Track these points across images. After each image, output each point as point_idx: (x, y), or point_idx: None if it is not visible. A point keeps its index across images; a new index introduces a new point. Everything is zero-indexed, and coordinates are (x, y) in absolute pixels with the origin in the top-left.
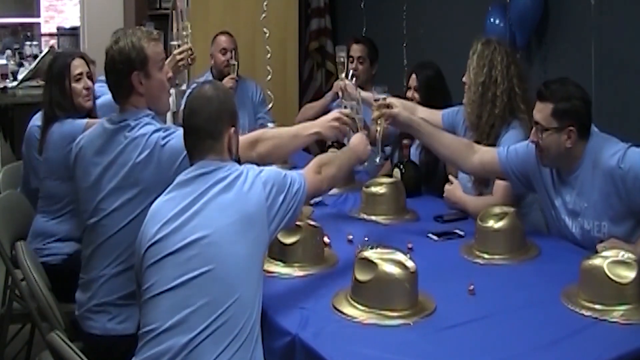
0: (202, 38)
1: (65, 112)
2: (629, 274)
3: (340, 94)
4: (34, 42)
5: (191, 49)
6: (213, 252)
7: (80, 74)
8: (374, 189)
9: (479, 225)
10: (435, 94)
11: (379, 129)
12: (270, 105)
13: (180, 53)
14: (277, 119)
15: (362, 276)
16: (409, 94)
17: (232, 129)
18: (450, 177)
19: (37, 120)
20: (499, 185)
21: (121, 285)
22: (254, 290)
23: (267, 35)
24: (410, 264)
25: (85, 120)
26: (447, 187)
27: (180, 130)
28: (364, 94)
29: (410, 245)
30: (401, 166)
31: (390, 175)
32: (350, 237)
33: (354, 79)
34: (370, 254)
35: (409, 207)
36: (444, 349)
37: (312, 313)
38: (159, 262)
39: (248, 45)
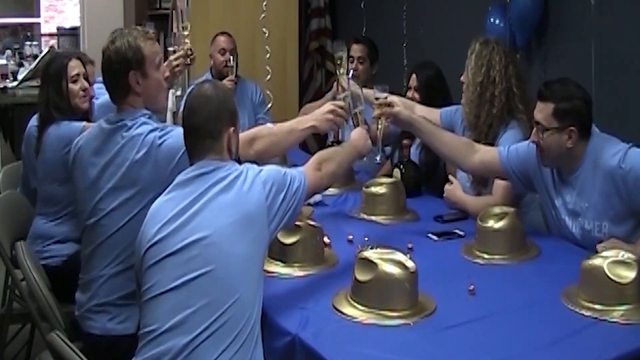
0: (202, 38)
1: (62, 113)
2: (629, 274)
3: (335, 87)
4: (34, 42)
5: (191, 50)
6: (213, 253)
7: (77, 75)
8: (374, 189)
9: (479, 225)
10: (436, 94)
11: (379, 127)
12: (269, 105)
13: (176, 58)
14: (277, 119)
15: (362, 276)
16: (409, 94)
17: (232, 129)
18: (450, 177)
19: (36, 120)
20: (499, 185)
21: (121, 285)
22: (254, 291)
23: (267, 35)
24: (410, 264)
25: (82, 124)
26: (447, 187)
27: (177, 129)
28: (364, 91)
29: (410, 245)
30: (401, 166)
31: (390, 175)
32: (350, 237)
33: (351, 72)
34: (370, 254)
35: (409, 207)
36: (444, 349)
37: (312, 313)
38: (159, 262)
39: (248, 45)
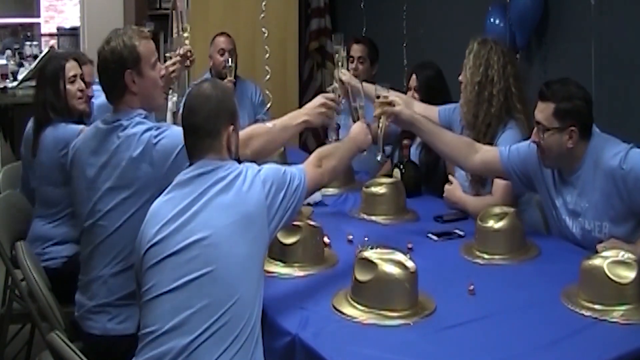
0: (202, 38)
1: (59, 114)
2: (629, 274)
3: (335, 83)
4: (34, 42)
5: (190, 51)
6: (213, 254)
7: (75, 75)
8: (374, 189)
9: (479, 225)
10: (436, 94)
11: (381, 126)
12: (268, 105)
13: (172, 64)
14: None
15: (362, 276)
16: (409, 94)
17: (231, 128)
18: (450, 177)
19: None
20: (499, 185)
21: (120, 286)
22: (254, 291)
23: (266, 35)
24: (410, 264)
25: (80, 127)
26: (447, 187)
27: (173, 128)
28: (365, 85)
29: (410, 245)
30: (401, 166)
31: (390, 175)
32: (350, 237)
33: (351, 72)
34: (370, 254)
35: (409, 207)
36: (444, 349)
37: (312, 313)
38: (159, 263)
39: (248, 45)
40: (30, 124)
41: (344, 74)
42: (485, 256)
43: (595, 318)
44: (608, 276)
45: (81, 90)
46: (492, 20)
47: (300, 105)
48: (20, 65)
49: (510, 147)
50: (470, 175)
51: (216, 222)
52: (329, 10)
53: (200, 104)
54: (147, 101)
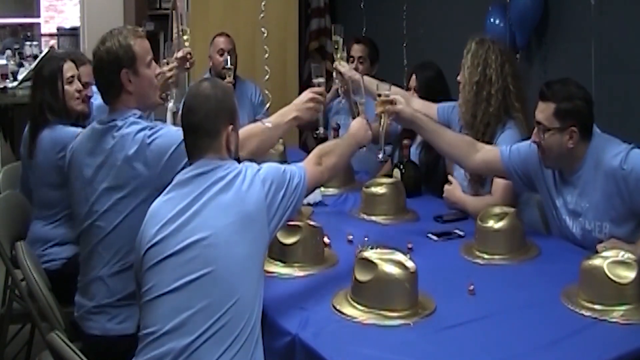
0: (202, 39)
1: (56, 115)
2: (629, 274)
3: (334, 74)
4: (34, 42)
5: (190, 54)
6: (213, 254)
7: (72, 76)
8: (374, 189)
9: (479, 225)
10: (435, 95)
11: (382, 124)
12: (267, 105)
13: (170, 69)
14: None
15: (362, 276)
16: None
17: (231, 127)
18: (450, 177)
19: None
20: (498, 184)
21: (119, 286)
22: (254, 291)
23: (265, 35)
24: (410, 264)
25: (78, 130)
26: (446, 187)
27: (167, 128)
28: (367, 79)
29: (410, 245)
30: (401, 166)
31: (390, 175)
32: (350, 237)
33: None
34: (370, 254)
35: (409, 207)
36: (444, 349)
37: (312, 313)
38: (159, 264)
39: (248, 45)
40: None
41: (343, 66)
42: (485, 256)
43: (595, 318)
44: (608, 276)
45: (79, 91)
46: (492, 20)
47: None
48: (20, 65)
49: (511, 146)
50: (469, 174)
51: (216, 222)
52: (329, 10)
53: (199, 104)
54: (143, 100)
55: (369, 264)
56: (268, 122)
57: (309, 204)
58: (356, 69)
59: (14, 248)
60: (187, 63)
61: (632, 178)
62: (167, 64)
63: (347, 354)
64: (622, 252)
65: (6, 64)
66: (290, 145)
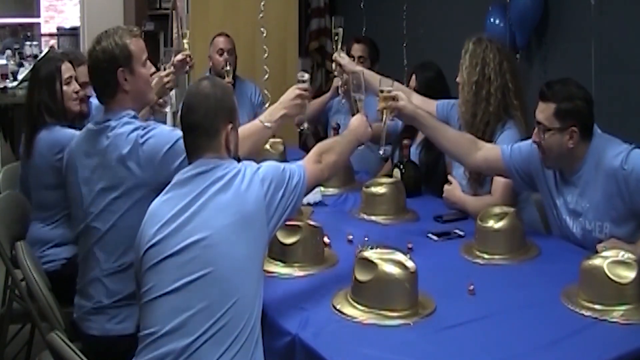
0: (202, 39)
1: (54, 116)
2: (629, 274)
3: (334, 66)
4: (34, 42)
5: (190, 56)
6: (212, 255)
7: (70, 77)
8: (374, 189)
9: (479, 225)
10: (436, 95)
11: (384, 120)
12: (267, 105)
13: (167, 75)
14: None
15: (362, 276)
16: None
17: (230, 126)
18: (450, 177)
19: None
20: (498, 184)
21: (117, 287)
22: (253, 291)
23: (265, 34)
24: (410, 264)
25: (76, 132)
26: (446, 187)
27: (160, 128)
28: (367, 73)
29: (410, 245)
30: (401, 166)
31: (390, 175)
32: (350, 237)
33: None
34: (370, 254)
35: (409, 207)
36: (444, 349)
37: (312, 313)
38: (159, 264)
39: (248, 45)
40: None
41: (343, 58)
42: (485, 256)
43: (595, 318)
44: (608, 276)
45: (76, 92)
46: (492, 20)
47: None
48: (20, 65)
49: (512, 145)
50: (468, 173)
51: (215, 223)
52: (329, 10)
53: (198, 102)
54: (139, 99)
55: (369, 264)
56: (267, 123)
57: (309, 204)
58: None
59: (14, 248)
60: (187, 66)
61: (633, 178)
62: (165, 69)
63: (347, 354)
64: (622, 252)
65: (6, 64)
66: (290, 145)
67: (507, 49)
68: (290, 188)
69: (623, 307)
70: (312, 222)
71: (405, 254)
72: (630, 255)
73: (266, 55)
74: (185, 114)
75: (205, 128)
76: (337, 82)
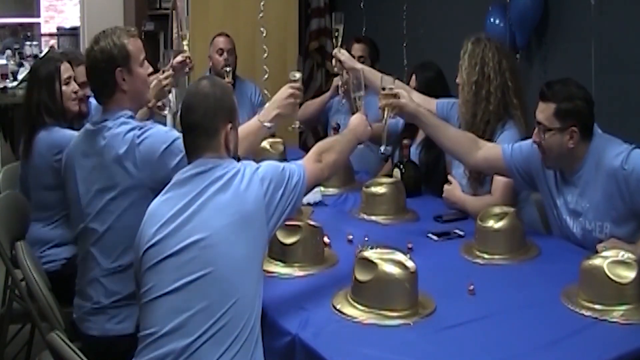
0: (202, 39)
1: (53, 116)
2: (629, 274)
3: (333, 62)
4: (34, 42)
5: (189, 58)
6: (211, 255)
7: (69, 77)
8: (374, 189)
9: (479, 225)
10: (436, 95)
11: (385, 117)
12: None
13: (165, 77)
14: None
15: (362, 276)
16: None
17: (230, 125)
18: (450, 177)
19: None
20: (498, 184)
21: (116, 287)
22: (253, 291)
23: (264, 34)
24: (410, 264)
25: (75, 133)
26: (446, 187)
27: (156, 128)
28: (368, 70)
29: (410, 245)
30: (401, 166)
31: (390, 175)
32: (350, 237)
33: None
34: (370, 254)
35: (409, 207)
36: (444, 349)
37: (312, 313)
38: (158, 264)
39: (248, 45)
40: None
41: (343, 54)
42: (485, 256)
43: (595, 318)
44: (608, 276)
45: (75, 92)
46: (492, 20)
47: (300, 105)
48: (20, 65)
49: (513, 144)
50: (468, 173)
51: (214, 223)
52: (329, 10)
53: (198, 102)
54: (137, 99)
55: (369, 264)
56: (267, 123)
57: (309, 204)
58: None
59: (14, 248)
60: (187, 68)
61: (633, 178)
62: (163, 72)
63: (347, 354)
64: (622, 252)
65: (6, 64)
66: (290, 145)
67: (506, 47)
68: (290, 187)
69: (623, 307)
70: (312, 222)
71: (405, 254)
72: (630, 255)
73: (266, 55)
74: (185, 113)
75: (205, 128)
76: (337, 81)
